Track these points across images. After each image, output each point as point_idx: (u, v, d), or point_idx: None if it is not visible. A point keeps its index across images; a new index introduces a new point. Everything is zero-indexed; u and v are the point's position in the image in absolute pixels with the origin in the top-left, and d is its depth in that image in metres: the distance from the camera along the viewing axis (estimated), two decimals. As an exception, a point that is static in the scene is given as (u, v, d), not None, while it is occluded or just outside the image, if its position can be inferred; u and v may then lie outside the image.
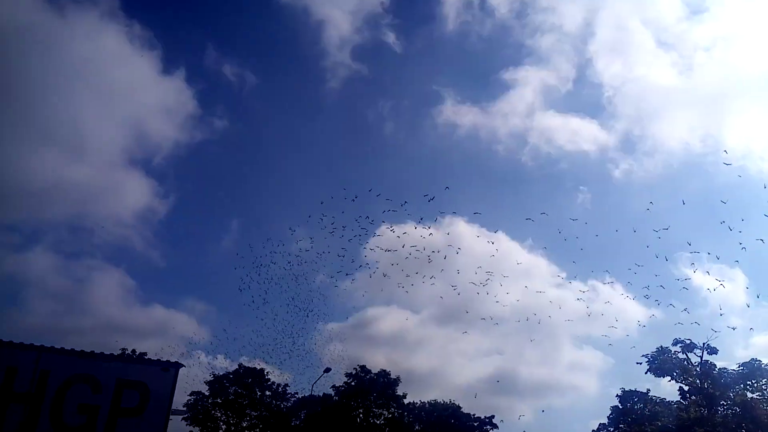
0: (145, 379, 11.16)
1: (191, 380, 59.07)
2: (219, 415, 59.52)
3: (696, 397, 36.00)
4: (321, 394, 61.76)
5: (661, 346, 38.12)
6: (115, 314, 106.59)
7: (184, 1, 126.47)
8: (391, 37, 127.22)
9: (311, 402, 59.87)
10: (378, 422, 63.34)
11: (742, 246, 33.33)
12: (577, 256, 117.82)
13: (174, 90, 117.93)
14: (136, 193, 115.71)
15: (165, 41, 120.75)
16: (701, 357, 37.54)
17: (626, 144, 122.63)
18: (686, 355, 37.81)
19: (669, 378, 37.50)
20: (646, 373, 38.12)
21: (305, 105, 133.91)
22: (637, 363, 39.01)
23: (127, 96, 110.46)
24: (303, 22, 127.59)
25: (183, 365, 11.27)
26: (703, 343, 37.34)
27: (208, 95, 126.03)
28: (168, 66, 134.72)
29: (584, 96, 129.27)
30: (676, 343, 38.03)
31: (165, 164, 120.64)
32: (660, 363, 37.37)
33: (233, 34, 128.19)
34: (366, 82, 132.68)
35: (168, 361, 11.32)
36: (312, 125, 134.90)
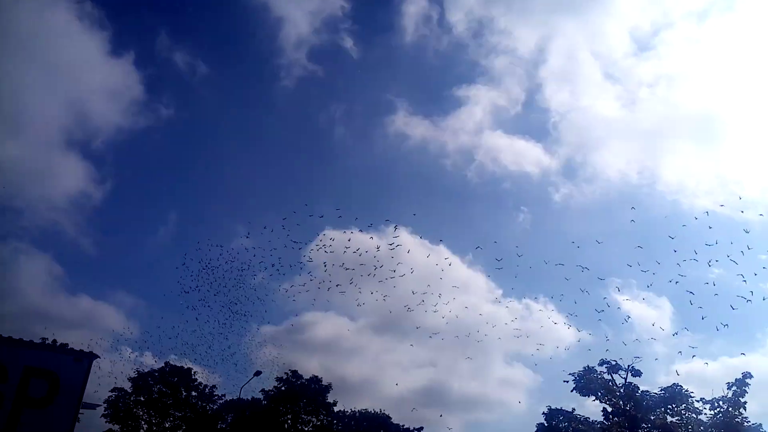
0: (55, 368, 10.43)
1: (115, 376, 56.92)
2: (141, 413, 57.49)
3: (619, 419, 36.96)
4: (250, 398, 60.56)
5: (588, 366, 38.98)
6: (39, 301, 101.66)
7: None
8: (349, 42, 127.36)
9: (239, 405, 58.60)
10: (306, 429, 62.49)
11: (648, 285, 34.76)
12: (514, 275, 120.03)
13: (121, 73, 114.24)
14: (71, 176, 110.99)
15: (116, 22, 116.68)
16: (626, 379, 38.59)
17: (567, 169, 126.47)
18: (611, 376, 38.76)
19: (594, 398, 38.35)
20: (572, 391, 38.85)
21: (256, 100, 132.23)
22: (564, 381, 39.74)
23: (71, 74, 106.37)
24: (261, 18, 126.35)
25: (98, 356, 10.62)
26: (628, 366, 38.42)
27: (155, 82, 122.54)
28: (117, 48, 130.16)
29: (531, 119, 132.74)
30: (602, 363, 38.93)
31: (104, 148, 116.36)
32: (586, 382, 38.13)
33: (188, 22, 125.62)
34: (320, 84, 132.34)
35: (81, 351, 10.64)
36: (261, 122, 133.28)
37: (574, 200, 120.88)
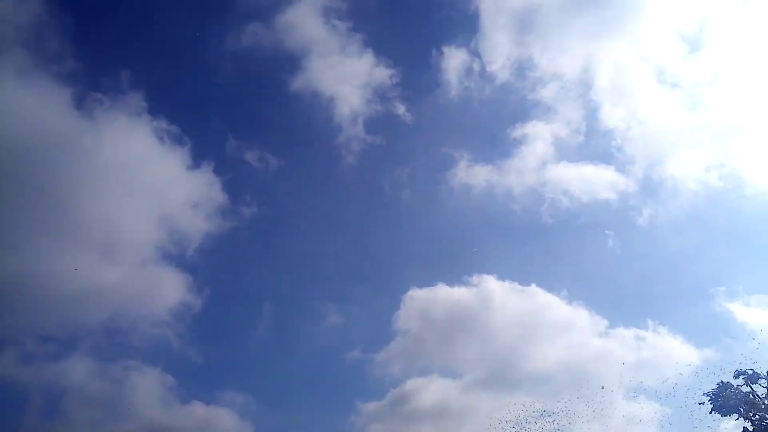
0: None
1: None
2: None
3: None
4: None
5: (722, 381, 34.95)
6: (155, 415, 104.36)
7: (202, 94, 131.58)
8: (400, 109, 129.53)
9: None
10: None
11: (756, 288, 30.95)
12: (616, 304, 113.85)
13: (203, 183, 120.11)
14: (170, 290, 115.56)
15: (192, 135, 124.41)
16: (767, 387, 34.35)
17: (646, 188, 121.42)
18: (750, 387, 34.60)
19: (736, 416, 34.15)
20: (710, 412, 34.78)
21: (325, 181, 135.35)
22: (699, 403, 35.66)
23: (159, 193, 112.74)
24: (316, 102, 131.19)
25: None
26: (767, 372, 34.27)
27: (234, 184, 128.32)
28: (196, 159, 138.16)
29: (594, 144, 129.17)
30: (737, 375, 34.80)
31: (197, 256, 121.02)
32: (724, 400, 34.13)
33: (251, 120, 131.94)
34: (380, 153, 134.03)
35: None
36: (333, 201, 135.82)
37: (659, 219, 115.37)
